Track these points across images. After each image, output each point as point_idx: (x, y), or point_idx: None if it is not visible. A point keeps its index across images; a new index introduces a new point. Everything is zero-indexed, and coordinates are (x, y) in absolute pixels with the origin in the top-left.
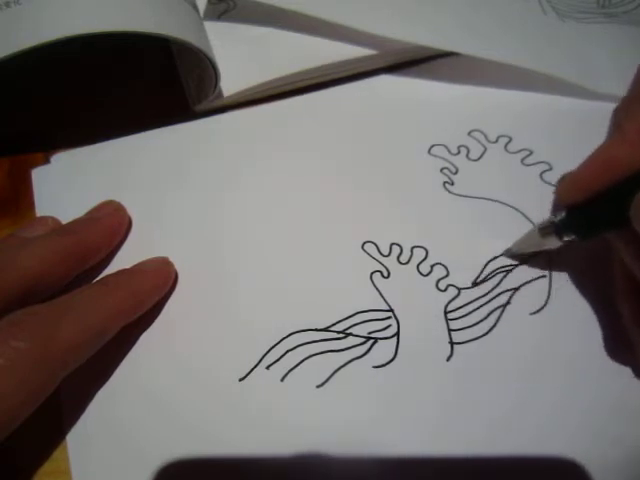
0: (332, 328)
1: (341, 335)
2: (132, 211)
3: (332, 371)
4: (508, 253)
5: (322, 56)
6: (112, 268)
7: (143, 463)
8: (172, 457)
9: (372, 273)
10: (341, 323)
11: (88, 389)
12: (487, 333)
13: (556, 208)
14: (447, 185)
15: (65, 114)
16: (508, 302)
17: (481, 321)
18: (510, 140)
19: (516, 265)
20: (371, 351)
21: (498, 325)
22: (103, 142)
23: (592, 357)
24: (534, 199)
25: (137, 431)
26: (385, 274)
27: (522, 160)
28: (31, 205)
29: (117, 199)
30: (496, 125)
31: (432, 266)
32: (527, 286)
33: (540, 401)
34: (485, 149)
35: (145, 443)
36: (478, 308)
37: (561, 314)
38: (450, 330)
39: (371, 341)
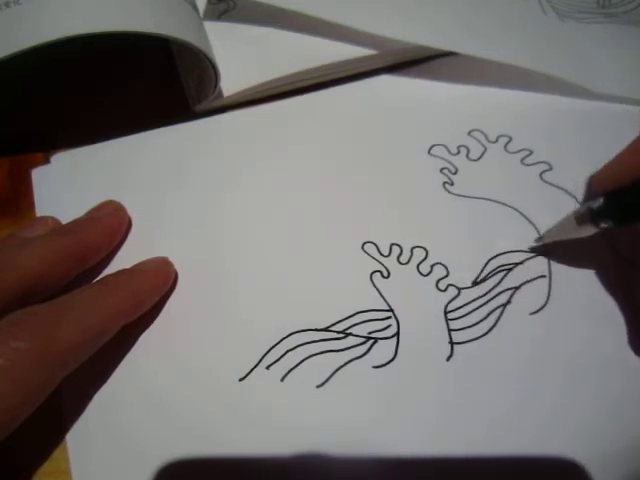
0: (332, 328)
1: (341, 335)
2: (132, 211)
3: (332, 371)
4: (540, 241)
5: (322, 56)
6: (112, 268)
7: (143, 463)
8: (172, 457)
9: (372, 273)
10: (341, 323)
11: (88, 389)
12: (487, 333)
13: (589, 196)
14: (447, 185)
15: (65, 114)
16: (508, 301)
17: (481, 321)
18: (510, 140)
19: (516, 264)
20: (371, 351)
21: (498, 325)
22: (103, 142)
23: (592, 357)
24: (534, 199)
25: (137, 431)
26: (385, 274)
27: (522, 160)
28: (31, 205)
29: (117, 199)
30: (496, 125)
31: (432, 266)
32: (527, 285)
33: (540, 401)
34: (485, 149)
35: (145, 443)
36: (478, 308)
37: (561, 314)
38: (450, 330)
39: (371, 341)
